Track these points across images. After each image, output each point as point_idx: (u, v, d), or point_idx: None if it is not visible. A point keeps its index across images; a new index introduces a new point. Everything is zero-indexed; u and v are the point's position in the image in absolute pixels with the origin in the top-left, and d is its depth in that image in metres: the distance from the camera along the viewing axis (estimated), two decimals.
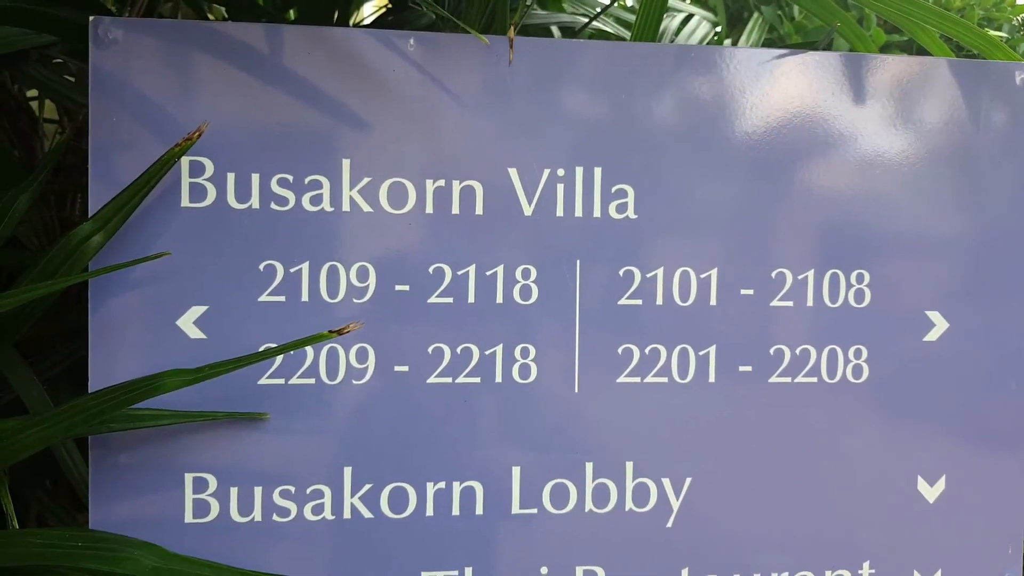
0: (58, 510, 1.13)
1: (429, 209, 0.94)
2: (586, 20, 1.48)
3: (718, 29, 1.80)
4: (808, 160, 1.00)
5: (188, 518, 0.90)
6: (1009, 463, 1.05)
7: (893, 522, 1.03)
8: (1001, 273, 1.04)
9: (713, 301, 0.99)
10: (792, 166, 1.00)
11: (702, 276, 0.99)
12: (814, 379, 1.01)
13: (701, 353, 0.99)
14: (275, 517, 0.91)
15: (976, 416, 1.04)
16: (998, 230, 1.04)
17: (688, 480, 0.99)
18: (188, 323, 0.90)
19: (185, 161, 0.89)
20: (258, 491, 0.91)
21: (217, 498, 0.90)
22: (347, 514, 0.93)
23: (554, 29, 1.53)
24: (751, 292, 1.00)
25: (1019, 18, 1.98)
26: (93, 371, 0.87)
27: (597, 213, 0.97)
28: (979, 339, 1.04)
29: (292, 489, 0.92)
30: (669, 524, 0.99)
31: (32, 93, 1.39)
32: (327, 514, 0.92)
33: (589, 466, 0.97)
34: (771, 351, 1.00)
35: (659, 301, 0.98)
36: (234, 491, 0.90)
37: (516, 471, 0.96)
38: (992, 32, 1.08)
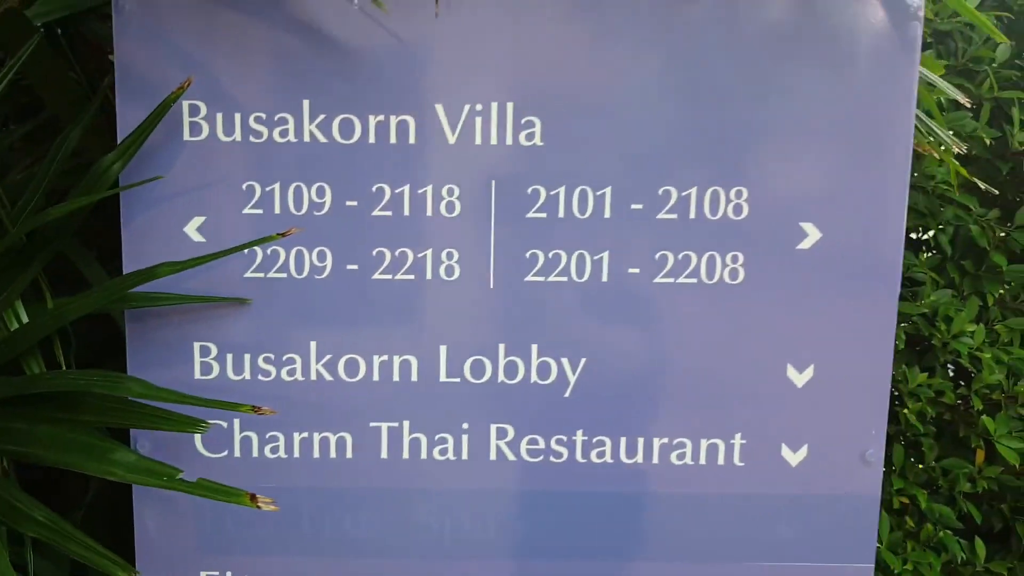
0: None
1: (372, 139, 1.18)
2: None
3: None
4: (692, 91, 1.17)
5: (196, 375, 1.21)
6: (875, 355, 1.21)
7: (763, 402, 1.22)
8: (872, 185, 1.18)
9: (607, 214, 1.19)
10: (678, 97, 1.17)
11: (598, 193, 1.19)
12: (694, 280, 1.20)
13: (596, 257, 1.20)
14: (259, 377, 1.22)
15: (845, 316, 1.20)
16: (872, 143, 1.17)
17: (583, 360, 1.22)
18: (192, 229, 1.19)
19: (184, 104, 1.17)
20: (247, 357, 1.21)
21: (218, 361, 1.21)
22: (314, 376, 1.22)
23: None
24: (640, 207, 1.19)
25: None
26: (127, 265, 1.18)
27: (509, 141, 1.18)
28: (850, 247, 1.19)
29: (272, 356, 1.21)
30: (567, 395, 1.22)
31: None
32: (299, 376, 1.22)
33: (502, 347, 1.22)
34: (656, 256, 1.20)
35: (561, 215, 1.19)
36: (229, 357, 1.21)
37: (443, 348, 1.22)
38: None
